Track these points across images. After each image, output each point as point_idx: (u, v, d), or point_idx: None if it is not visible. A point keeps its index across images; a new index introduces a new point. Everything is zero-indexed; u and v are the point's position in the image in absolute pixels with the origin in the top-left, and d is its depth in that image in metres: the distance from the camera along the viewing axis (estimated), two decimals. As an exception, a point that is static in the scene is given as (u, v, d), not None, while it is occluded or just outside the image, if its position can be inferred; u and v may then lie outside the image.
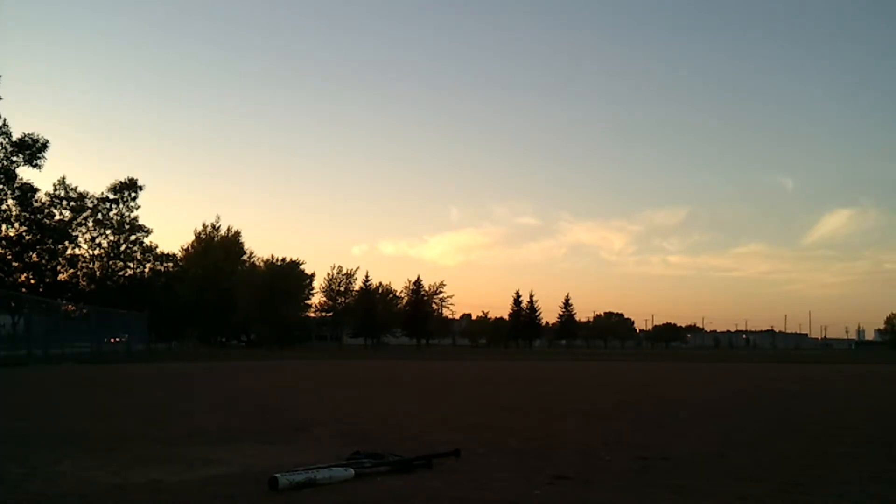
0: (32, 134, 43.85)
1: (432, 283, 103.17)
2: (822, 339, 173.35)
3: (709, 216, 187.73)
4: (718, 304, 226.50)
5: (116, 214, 52.98)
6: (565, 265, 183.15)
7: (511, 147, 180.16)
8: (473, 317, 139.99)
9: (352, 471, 4.17)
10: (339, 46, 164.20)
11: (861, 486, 4.21)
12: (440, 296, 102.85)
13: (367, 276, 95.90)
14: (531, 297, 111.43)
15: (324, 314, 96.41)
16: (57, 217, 49.02)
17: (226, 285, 71.66)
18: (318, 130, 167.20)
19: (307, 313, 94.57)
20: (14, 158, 44.12)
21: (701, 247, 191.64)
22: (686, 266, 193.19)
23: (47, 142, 44.37)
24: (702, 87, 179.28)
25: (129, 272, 55.02)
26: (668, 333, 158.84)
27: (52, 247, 47.96)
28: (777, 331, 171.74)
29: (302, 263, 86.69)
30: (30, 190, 45.27)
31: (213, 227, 77.91)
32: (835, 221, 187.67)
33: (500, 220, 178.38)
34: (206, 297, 67.79)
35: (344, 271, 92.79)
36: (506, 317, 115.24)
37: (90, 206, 51.40)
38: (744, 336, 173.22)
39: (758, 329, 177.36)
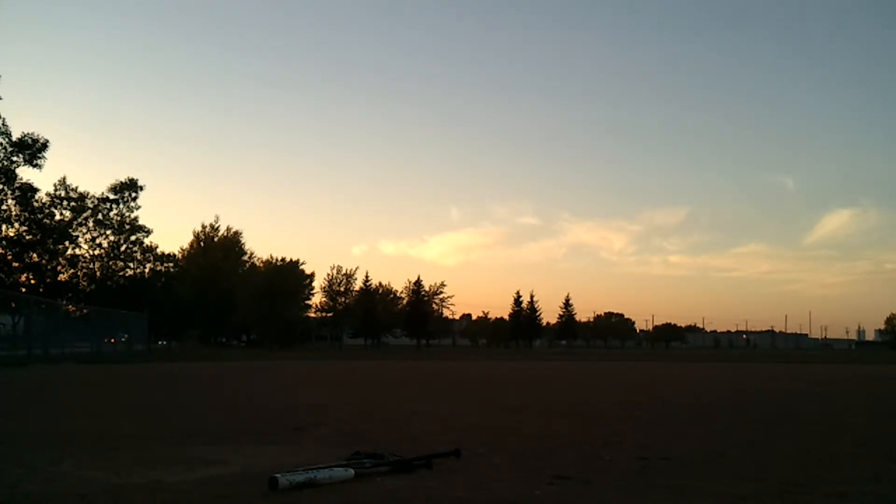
0: (32, 134, 43.87)
1: (432, 284, 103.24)
2: (822, 339, 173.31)
3: (709, 216, 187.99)
4: (718, 304, 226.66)
5: (117, 215, 52.98)
6: (565, 265, 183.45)
7: (511, 147, 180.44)
8: (473, 317, 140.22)
9: (352, 471, 4.16)
10: (338, 46, 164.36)
11: (861, 486, 4.21)
12: (440, 296, 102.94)
13: (367, 276, 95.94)
14: (531, 297, 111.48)
15: (324, 314, 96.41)
16: (57, 217, 49.01)
17: (226, 285, 71.65)
18: (318, 130, 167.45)
19: (307, 313, 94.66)
20: (14, 158, 44.12)
21: (701, 247, 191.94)
22: (686, 266, 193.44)
23: (47, 142, 44.39)
24: (702, 87, 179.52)
25: (130, 272, 55.01)
26: (668, 333, 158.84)
27: (53, 247, 47.95)
28: (777, 331, 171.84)
29: (302, 263, 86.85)
30: (30, 190, 45.26)
31: (213, 227, 77.91)
32: (835, 221, 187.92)
33: (500, 220, 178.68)
34: (206, 297, 67.79)
35: (344, 271, 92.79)
36: (506, 317, 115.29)
37: (90, 206, 51.39)
38: (744, 336, 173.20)
39: (758, 329, 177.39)
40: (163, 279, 58.43)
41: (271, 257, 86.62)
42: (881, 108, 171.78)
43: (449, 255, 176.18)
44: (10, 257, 45.55)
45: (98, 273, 52.60)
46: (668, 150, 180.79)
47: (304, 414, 8.41)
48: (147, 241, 55.10)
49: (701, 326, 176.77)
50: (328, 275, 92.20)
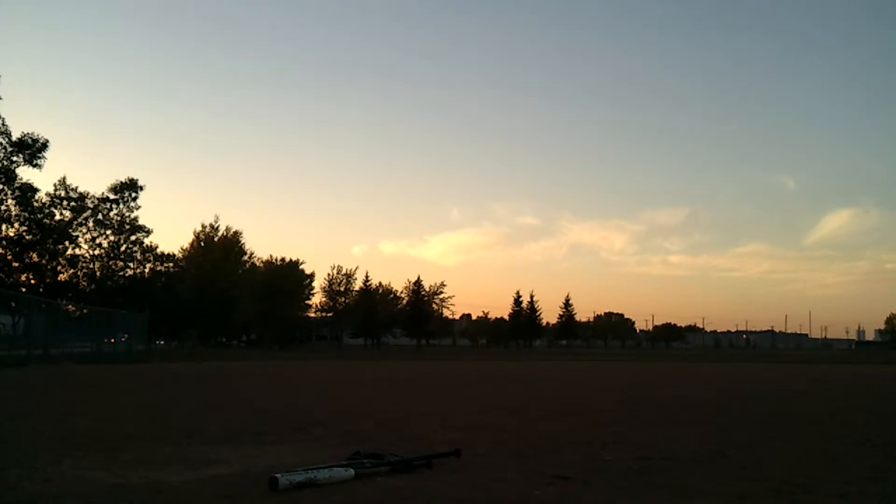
0: (32, 134, 43.90)
1: (433, 284, 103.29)
2: (822, 339, 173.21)
3: (710, 216, 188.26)
4: (718, 304, 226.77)
5: (117, 215, 53.00)
6: (565, 265, 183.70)
7: (511, 147, 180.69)
8: (473, 317, 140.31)
9: (352, 471, 4.16)
10: (339, 47, 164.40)
11: (861, 486, 4.21)
12: (440, 296, 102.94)
13: (367, 276, 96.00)
14: (531, 297, 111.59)
15: (324, 314, 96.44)
16: (57, 217, 49.02)
17: (226, 285, 71.66)
18: (317, 130, 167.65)
19: (307, 313, 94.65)
20: (14, 158, 44.15)
21: (702, 247, 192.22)
22: (686, 266, 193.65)
23: (47, 142, 44.42)
24: (702, 87, 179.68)
25: (130, 272, 55.02)
26: (668, 333, 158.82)
27: (53, 247, 47.96)
28: (777, 331, 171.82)
29: (302, 263, 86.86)
30: (30, 190, 45.27)
31: (213, 227, 77.90)
32: (836, 221, 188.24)
33: (500, 220, 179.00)
34: (206, 297, 67.81)
35: (344, 271, 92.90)
36: (506, 317, 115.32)
37: (90, 206, 51.39)
38: (744, 336, 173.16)
39: (758, 329, 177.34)
40: (163, 279, 58.45)
41: (271, 257, 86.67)
42: (881, 108, 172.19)
43: (449, 255, 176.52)
44: (10, 257, 45.55)
45: (98, 273, 52.61)
46: (668, 150, 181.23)
47: (304, 414, 8.41)
48: (147, 241, 55.17)
49: (701, 326, 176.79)
50: (328, 275, 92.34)
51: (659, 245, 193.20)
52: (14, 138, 43.44)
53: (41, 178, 75.59)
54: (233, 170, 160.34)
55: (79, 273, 51.21)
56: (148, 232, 54.64)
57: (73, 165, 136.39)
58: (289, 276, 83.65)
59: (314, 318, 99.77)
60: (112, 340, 38.51)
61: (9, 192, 44.66)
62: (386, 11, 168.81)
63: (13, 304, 33.27)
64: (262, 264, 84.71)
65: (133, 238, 54.13)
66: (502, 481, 4.23)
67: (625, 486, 4.16)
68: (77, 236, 50.83)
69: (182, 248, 74.40)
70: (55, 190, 49.15)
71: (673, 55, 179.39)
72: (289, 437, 6.27)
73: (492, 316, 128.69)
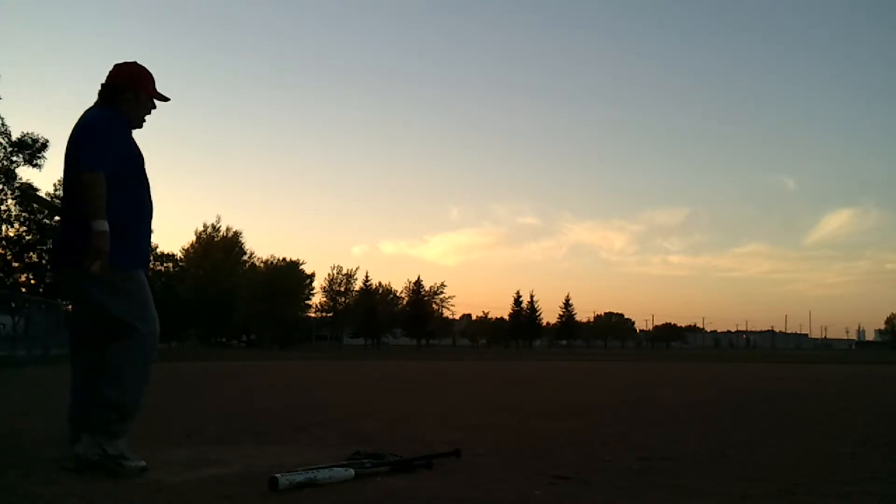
0: (32, 133, 43.91)
1: (433, 284, 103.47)
2: (822, 339, 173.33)
3: (710, 216, 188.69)
4: (718, 304, 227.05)
5: (117, 215, 53.03)
6: (565, 265, 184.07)
7: (511, 147, 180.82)
8: (474, 317, 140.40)
9: (352, 471, 4.16)
10: (338, 47, 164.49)
11: (861, 486, 4.21)
12: (440, 296, 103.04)
13: (367, 276, 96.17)
14: (531, 297, 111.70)
15: (324, 314, 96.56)
16: (57, 217, 49.03)
17: (226, 285, 71.69)
18: (317, 130, 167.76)
19: (307, 313, 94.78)
20: (14, 158, 44.14)
21: (702, 247, 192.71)
22: (686, 266, 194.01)
23: (47, 141, 44.41)
24: (702, 87, 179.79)
25: (129, 272, 55.06)
26: (668, 333, 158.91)
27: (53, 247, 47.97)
28: (777, 331, 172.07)
29: (302, 263, 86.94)
30: (30, 189, 45.26)
31: (213, 227, 77.96)
32: (836, 221, 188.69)
33: (500, 220, 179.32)
34: (206, 297, 67.82)
35: (344, 271, 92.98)
36: (506, 317, 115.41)
37: (90, 206, 51.45)
38: (744, 336, 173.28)
39: (758, 329, 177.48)
40: (163, 279, 58.52)
41: (271, 257, 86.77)
42: (881, 108, 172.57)
43: (449, 255, 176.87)
44: (10, 257, 45.54)
45: (98, 273, 52.60)
46: (668, 150, 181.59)
47: (304, 414, 8.41)
48: (147, 242, 55.20)
49: (701, 326, 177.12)
50: (328, 275, 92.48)
51: (659, 245, 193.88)
52: (14, 138, 43.47)
53: (41, 178, 75.72)
54: (233, 170, 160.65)
55: (79, 273, 51.19)
56: (148, 232, 54.75)
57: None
58: (289, 276, 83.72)
59: (314, 318, 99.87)
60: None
61: (9, 192, 44.69)
62: (386, 11, 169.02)
63: (13, 304, 33.23)
64: (262, 264, 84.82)
65: (133, 238, 54.18)
66: (502, 481, 4.23)
67: (625, 486, 4.16)
68: (77, 236, 50.84)
69: (182, 248, 74.53)
70: (55, 190, 49.08)
71: (673, 55, 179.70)
72: (289, 437, 6.27)
73: (492, 316, 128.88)
